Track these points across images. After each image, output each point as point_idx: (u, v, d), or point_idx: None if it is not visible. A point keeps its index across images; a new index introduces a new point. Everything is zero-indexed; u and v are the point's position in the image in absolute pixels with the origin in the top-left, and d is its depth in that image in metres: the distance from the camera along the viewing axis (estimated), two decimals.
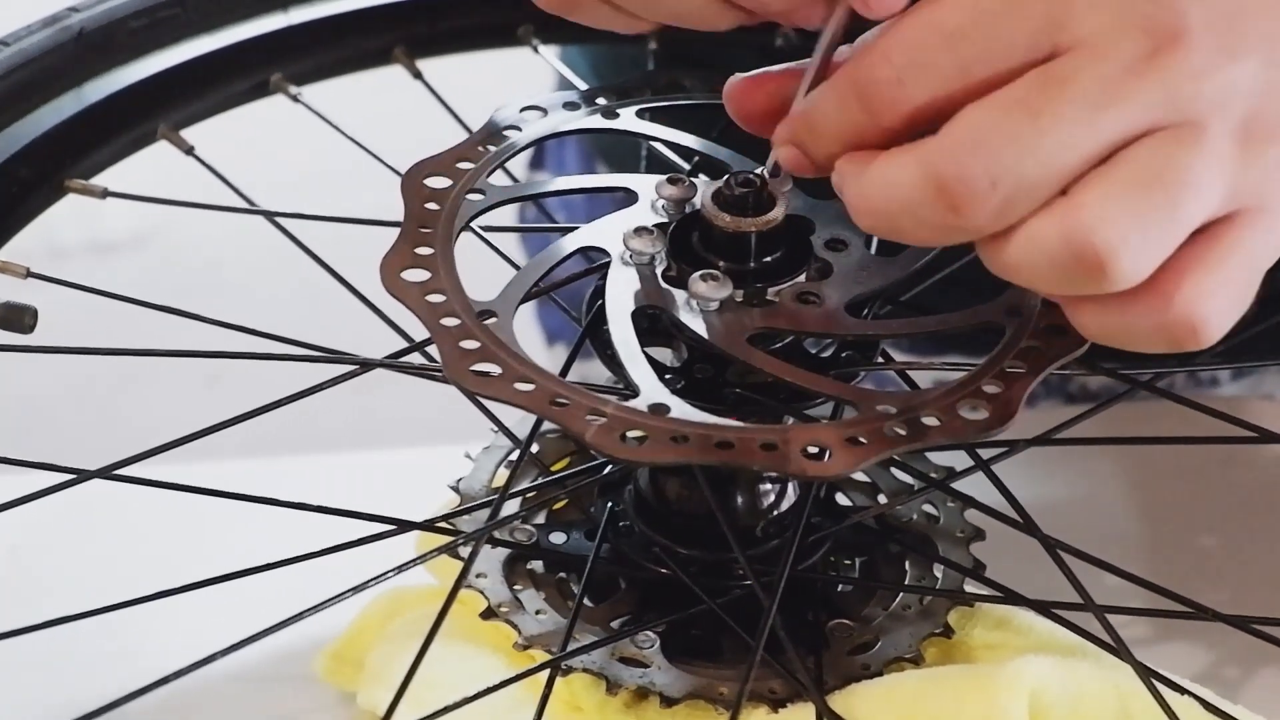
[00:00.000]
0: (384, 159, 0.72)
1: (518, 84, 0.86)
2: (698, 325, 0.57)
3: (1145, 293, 0.51)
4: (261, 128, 0.99)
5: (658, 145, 0.67)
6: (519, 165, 0.66)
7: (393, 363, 0.62)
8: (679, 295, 0.58)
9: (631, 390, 0.55)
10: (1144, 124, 0.50)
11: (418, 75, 0.78)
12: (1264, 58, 0.51)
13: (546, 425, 0.65)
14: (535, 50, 0.79)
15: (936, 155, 0.51)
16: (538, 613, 0.64)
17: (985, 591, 0.64)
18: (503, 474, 0.68)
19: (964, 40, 0.51)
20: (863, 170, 0.53)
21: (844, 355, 0.61)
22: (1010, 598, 0.63)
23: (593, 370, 0.63)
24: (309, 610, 0.56)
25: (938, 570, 0.66)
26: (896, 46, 0.52)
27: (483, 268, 0.65)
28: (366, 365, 0.62)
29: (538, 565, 0.66)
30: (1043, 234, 0.50)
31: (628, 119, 0.66)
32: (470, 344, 0.55)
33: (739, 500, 0.64)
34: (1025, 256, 0.51)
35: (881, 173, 0.52)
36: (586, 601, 0.63)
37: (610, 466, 0.66)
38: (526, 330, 1.01)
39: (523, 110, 0.66)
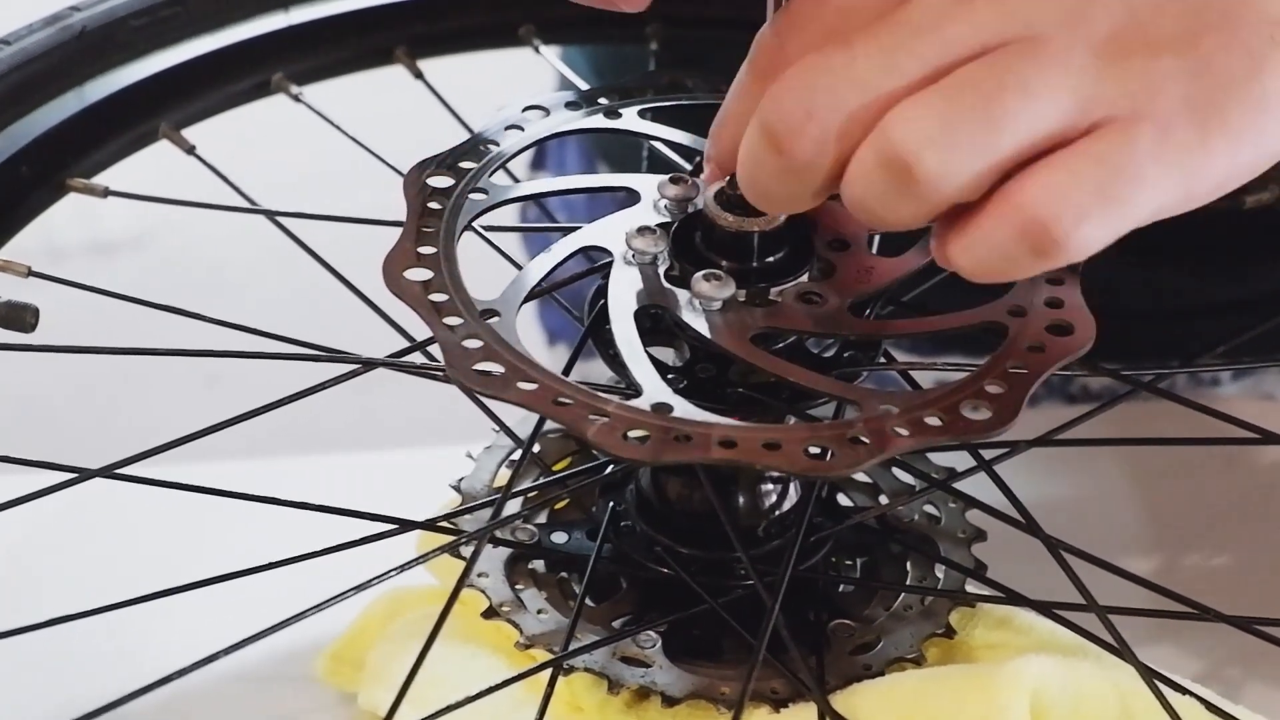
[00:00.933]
0: (385, 159, 0.72)
1: (519, 85, 0.86)
2: (700, 325, 0.57)
3: (994, 201, 0.51)
4: (263, 127, 0.99)
5: (660, 145, 0.67)
6: (520, 166, 0.66)
7: (394, 362, 0.62)
8: (681, 295, 0.58)
9: (634, 390, 0.55)
10: (973, 46, 0.50)
11: (419, 75, 0.78)
12: None
13: (548, 425, 0.65)
14: (537, 50, 0.79)
15: (763, 104, 0.52)
16: (539, 612, 0.64)
17: (987, 592, 0.64)
18: (504, 474, 0.68)
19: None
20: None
21: (846, 355, 0.61)
22: (1012, 598, 0.63)
23: (593, 370, 0.63)
24: (310, 610, 0.56)
25: (939, 570, 0.66)
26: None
27: (485, 268, 0.65)
28: (368, 365, 0.61)
29: (539, 565, 0.66)
30: (861, 155, 0.51)
31: (630, 119, 0.66)
32: (473, 343, 0.55)
33: (740, 500, 0.64)
34: (852, 183, 0.52)
35: (742, 142, 0.54)
36: (588, 601, 0.63)
37: (612, 466, 0.66)
38: (528, 330, 1.01)
39: (525, 110, 0.66)
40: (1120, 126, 0.50)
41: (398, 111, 1.19)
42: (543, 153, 1.03)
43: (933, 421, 0.54)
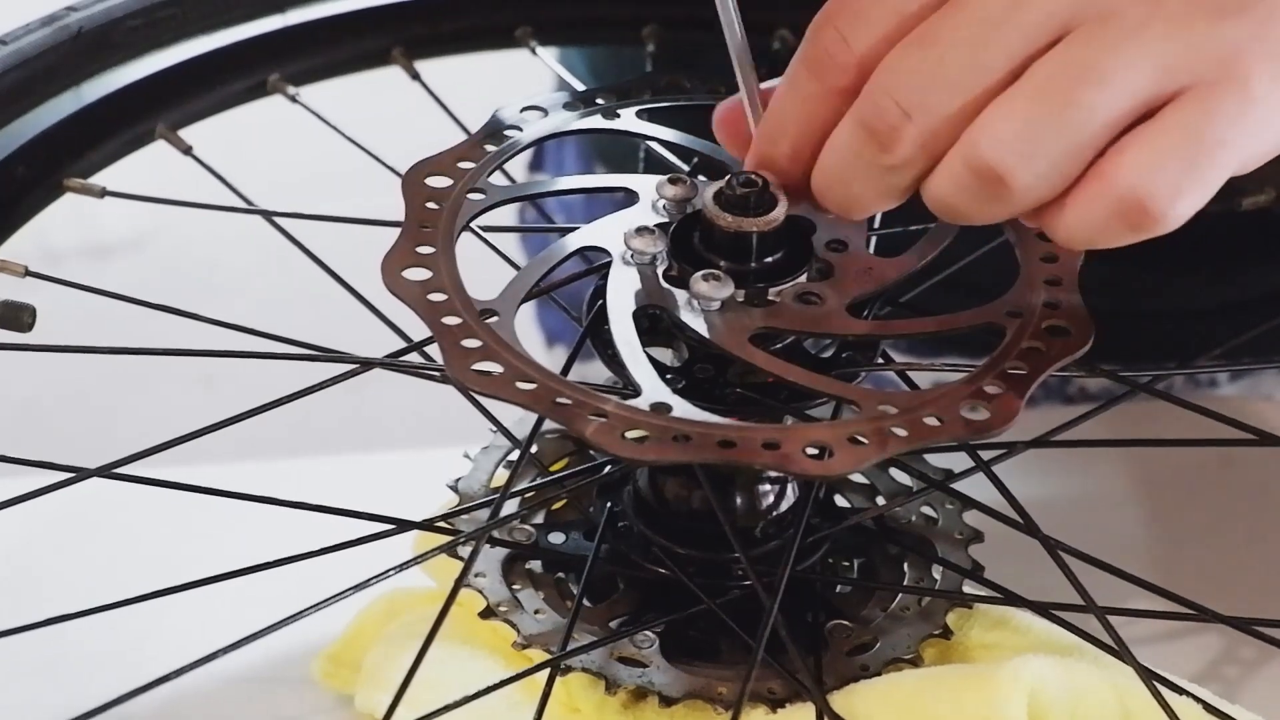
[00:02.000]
0: (382, 159, 0.72)
1: (516, 86, 0.85)
2: (699, 325, 0.57)
3: (1088, 182, 0.52)
4: (259, 128, 0.99)
5: (658, 146, 0.67)
6: (518, 167, 0.66)
7: (391, 362, 0.62)
8: (680, 295, 0.58)
9: (633, 390, 0.55)
10: (1051, 31, 0.51)
11: (415, 76, 0.78)
12: None
13: (545, 425, 0.65)
14: (533, 52, 0.79)
15: (860, 104, 0.54)
16: (536, 612, 0.64)
17: (984, 592, 0.64)
18: (501, 474, 0.68)
19: None
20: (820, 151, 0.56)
21: (844, 355, 0.61)
22: (1010, 599, 0.63)
23: (592, 371, 0.63)
24: (307, 610, 0.56)
25: (936, 571, 0.66)
26: None
27: (483, 268, 0.65)
28: (365, 365, 0.61)
29: (536, 565, 0.66)
30: (950, 162, 0.52)
31: (628, 119, 0.66)
32: (472, 343, 0.55)
33: (738, 501, 0.64)
34: (940, 186, 0.53)
35: (828, 143, 0.55)
36: (585, 601, 0.63)
37: (609, 466, 0.66)
38: (526, 331, 1.01)
39: (523, 110, 0.66)
40: (1202, 93, 0.51)
41: (394, 113, 1.19)
42: (541, 154, 1.03)
43: (931, 422, 0.54)
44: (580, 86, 0.71)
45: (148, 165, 0.75)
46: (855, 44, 0.54)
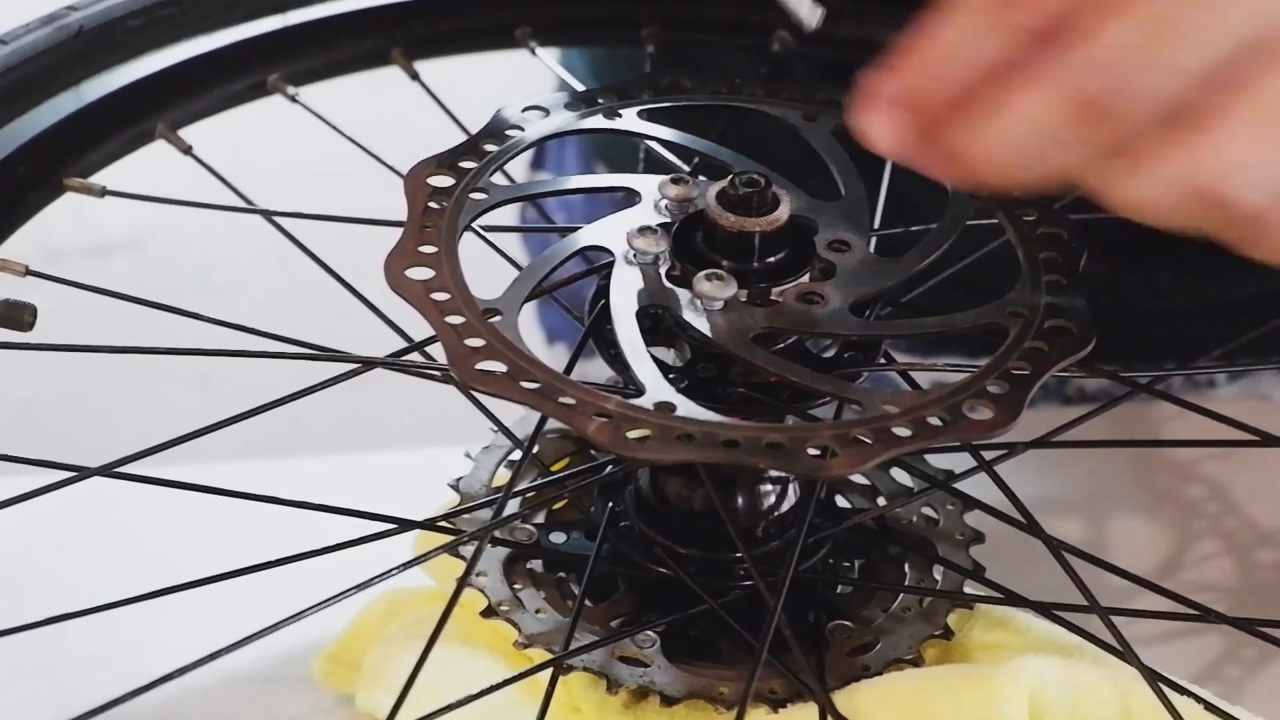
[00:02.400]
0: (381, 159, 0.72)
1: (516, 87, 0.85)
2: (701, 324, 0.57)
3: None
4: (259, 128, 0.99)
5: (659, 146, 0.67)
6: (519, 166, 0.66)
7: (393, 362, 0.62)
8: (683, 295, 0.58)
9: (636, 389, 0.55)
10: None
11: (415, 77, 0.78)
12: None
13: (546, 425, 0.65)
14: (533, 52, 0.79)
15: (1076, 73, 0.47)
16: (538, 612, 0.64)
17: (985, 593, 0.64)
18: (503, 474, 0.68)
19: None
20: (972, 127, 0.49)
21: (847, 355, 0.61)
22: (1010, 599, 0.63)
23: (592, 370, 0.63)
24: (308, 610, 0.56)
25: (937, 572, 0.66)
26: None
27: (485, 268, 0.65)
28: (366, 364, 0.61)
29: (538, 565, 0.66)
30: (1168, 175, 0.48)
31: (629, 119, 0.66)
32: (475, 342, 0.55)
33: (740, 501, 0.64)
34: (1148, 193, 0.48)
35: (1017, 107, 0.48)
36: (587, 601, 0.63)
37: (611, 466, 0.66)
38: (527, 329, 1.01)
39: (525, 110, 0.66)
40: None
41: (394, 113, 1.19)
42: (542, 153, 1.03)
43: (934, 422, 0.54)
44: (580, 87, 0.71)
45: (148, 165, 0.75)
46: None
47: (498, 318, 0.56)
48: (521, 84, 0.97)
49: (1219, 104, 0.47)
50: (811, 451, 0.52)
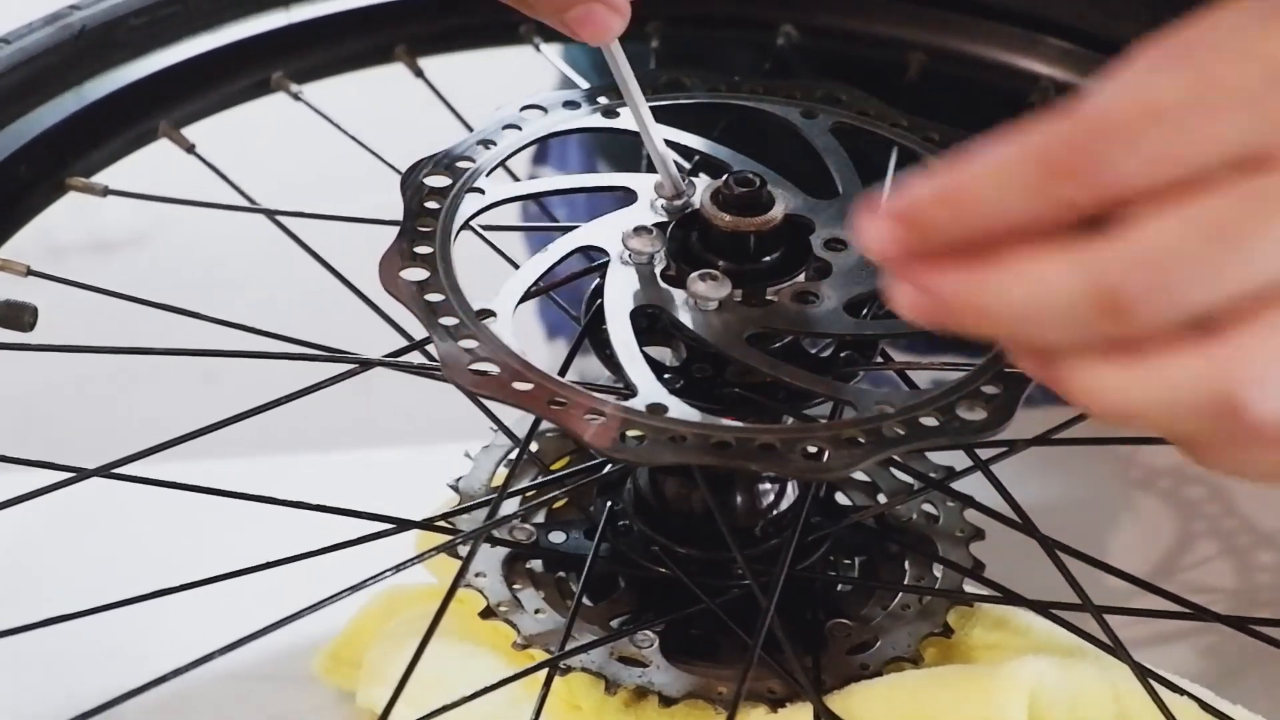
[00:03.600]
0: (385, 157, 0.72)
1: (520, 83, 0.85)
2: (696, 325, 0.57)
3: None
4: (262, 126, 0.99)
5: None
6: (521, 160, 0.66)
7: (392, 361, 0.62)
8: (678, 295, 0.58)
9: (630, 390, 0.55)
10: None
11: (419, 73, 0.78)
12: None
13: (546, 424, 0.65)
14: (537, 49, 0.79)
15: (1107, 264, 0.44)
16: (537, 612, 0.64)
17: (984, 591, 0.64)
18: (502, 473, 0.68)
19: (1170, 121, 0.43)
20: (1001, 267, 0.45)
21: (843, 355, 0.61)
22: (1009, 598, 0.63)
23: (591, 366, 0.63)
24: (308, 609, 0.56)
25: (937, 570, 0.66)
26: (1094, 115, 0.44)
27: (483, 266, 0.65)
28: (366, 364, 0.62)
29: (537, 564, 0.66)
30: (1185, 378, 0.44)
31: (628, 118, 0.66)
32: (469, 343, 0.55)
33: (738, 500, 0.64)
34: (1158, 398, 0.44)
35: (1034, 274, 0.44)
36: (585, 601, 0.63)
37: (609, 466, 0.66)
38: (527, 324, 1.01)
39: (523, 109, 0.66)
40: None
41: (398, 110, 1.19)
42: (545, 148, 1.03)
43: (929, 422, 0.54)
44: (584, 83, 0.71)
45: (150, 162, 0.75)
46: (1121, 173, 0.43)
47: (492, 319, 0.56)
48: (526, 80, 0.98)
49: (1250, 310, 0.44)
50: (804, 453, 0.52)
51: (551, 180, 0.68)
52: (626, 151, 0.76)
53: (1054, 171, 0.44)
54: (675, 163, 0.66)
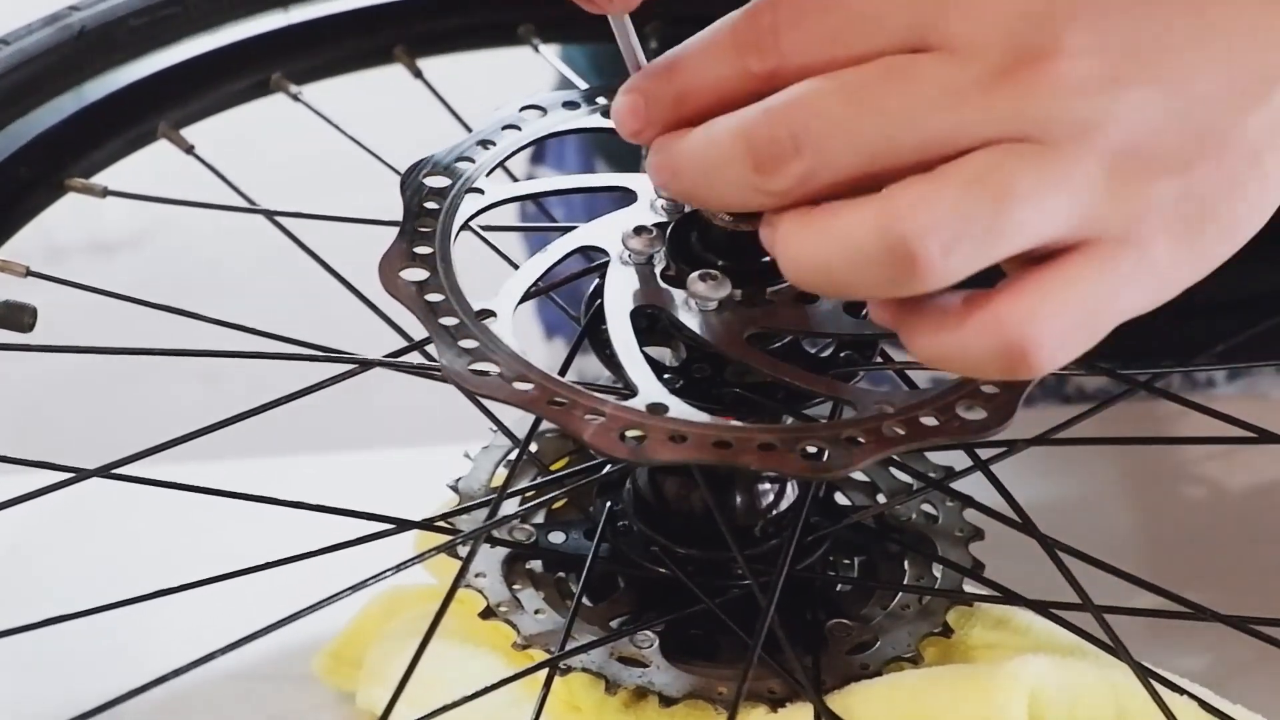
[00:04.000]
0: (384, 158, 0.72)
1: (519, 83, 0.86)
2: (696, 325, 0.57)
3: (977, 309, 0.50)
4: (262, 126, 0.99)
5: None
6: (519, 160, 0.66)
7: (392, 362, 0.62)
8: (678, 295, 0.58)
9: (630, 390, 0.55)
10: (980, 137, 0.49)
11: (418, 74, 0.78)
12: (1172, 89, 0.49)
13: (545, 424, 0.65)
14: (536, 49, 0.79)
15: (752, 115, 0.51)
16: (536, 612, 0.64)
17: (984, 591, 0.64)
18: (502, 473, 0.68)
19: (839, 4, 0.50)
20: (679, 136, 0.53)
21: (842, 355, 0.61)
22: (1009, 597, 0.63)
23: (590, 365, 0.63)
24: (308, 609, 0.56)
25: (936, 570, 0.66)
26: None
27: (482, 267, 0.65)
28: (365, 364, 0.62)
29: (536, 565, 0.66)
30: (857, 233, 0.49)
31: None
32: (469, 343, 0.55)
33: (737, 500, 0.64)
34: (828, 251, 0.50)
35: (699, 133, 0.52)
36: (585, 601, 0.63)
37: (609, 466, 0.66)
38: (526, 324, 1.01)
39: (522, 109, 0.66)
40: (1108, 251, 0.50)
41: (397, 111, 1.19)
42: (542, 148, 1.02)
43: (929, 421, 0.54)
44: (582, 84, 0.71)
45: (150, 162, 0.75)
46: (784, 44, 0.51)
47: (492, 319, 0.56)
48: (525, 81, 0.98)
49: (913, 170, 0.49)
50: (803, 452, 0.52)
51: (551, 181, 0.68)
52: (625, 151, 0.76)
53: (739, 44, 0.52)
54: None
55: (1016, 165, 0.48)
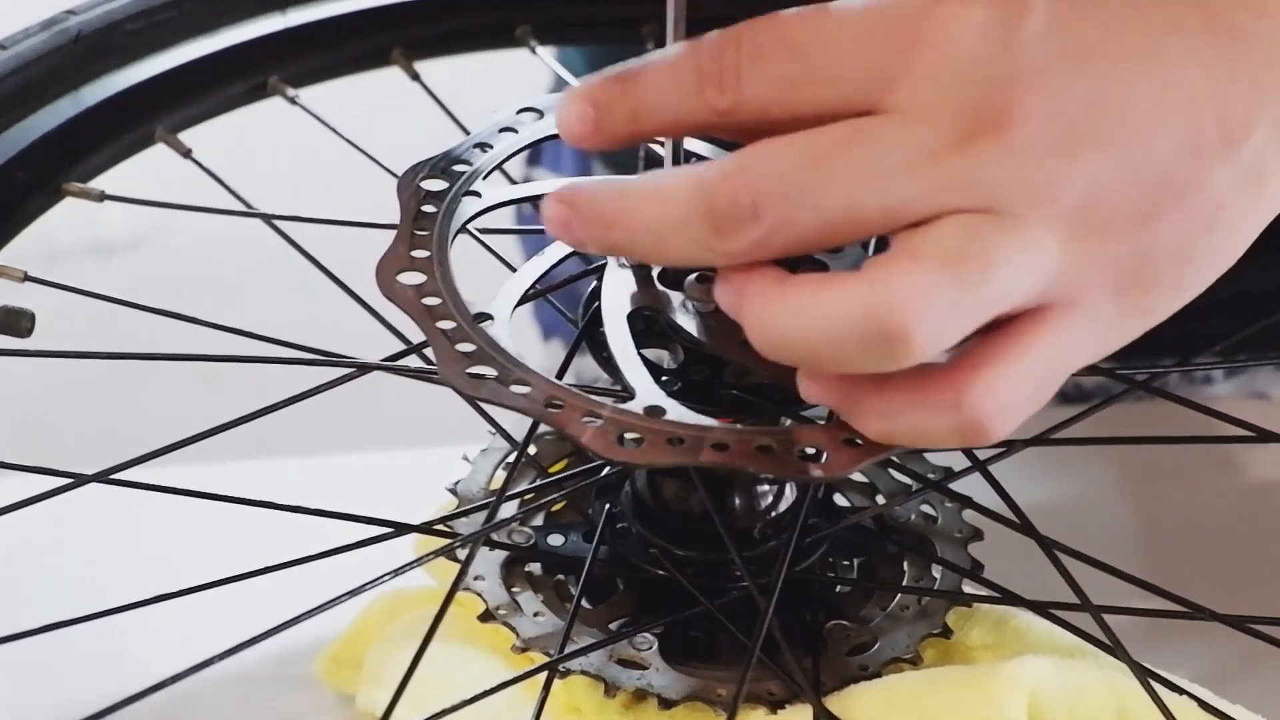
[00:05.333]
0: (381, 161, 0.72)
1: (517, 85, 0.86)
2: (693, 327, 0.57)
3: (933, 389, 0.50)
4: (259, 130, 0.99)
5: (656, 145, 0.67)
6: (516, 162, 0.66)
7: (390, 365, 0.62)
8: (675, 297, 0.58)
9: (627, 392, 0.55)
10: (941, 205, 0.49)
11: (415, 77, 0.78)
12: (1131, 150, 0.50)
13: (544, 427, 0.65)
14: (533, 51, 0.80)
15: (710, 177, 0.50)
16: (536, 615, 0.64)
17: (983, 592, 0.64)
18: (500, 476, 0.68)
19: (802, 54, 0.50)
20: (632, 184, 0.52)
21: None
22: (1008, 598, 0.63)
23: (588, 367, 0.63)
24: (307, 613, 0.56)
25: (936, 571, 0.66)
26: (745, 34, 0.51)
27: (480, 270, 0.65)
28: (364, 368, 0.62)
29: (536, 567, 0.66)
30: (844, 305, 0.49)
31: None
32: (466, 347, 0.55)
33: (736, 501, 0.64)
34: (819, 327, 0.49)
35: (656, 185, 0.51)
36: (584, 603, 0.63)
37: (607, 468, 0.66)
38: (522, 325, 1.01)
39: (519, 112, 0.66)
40: (1062, 316, 0.50)
41: (395, 113, 1.19)
42: (539, 150, 1.02)
43: None
44: None
45: (148, 166, 0.75)
46: (745, 85, 0.51)
47: (489, 322, 0.56)
48: (523, 83, 0.98)
49: (907, 257, 0.49)
50: (802, 454, 0.52)
51: (549, 184, 0.68)
52: (622, 152, 0.76)
53: (702, 75, 0.51)
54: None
55: (989, 237, 0.48)
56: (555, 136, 0.66)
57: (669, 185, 0.51)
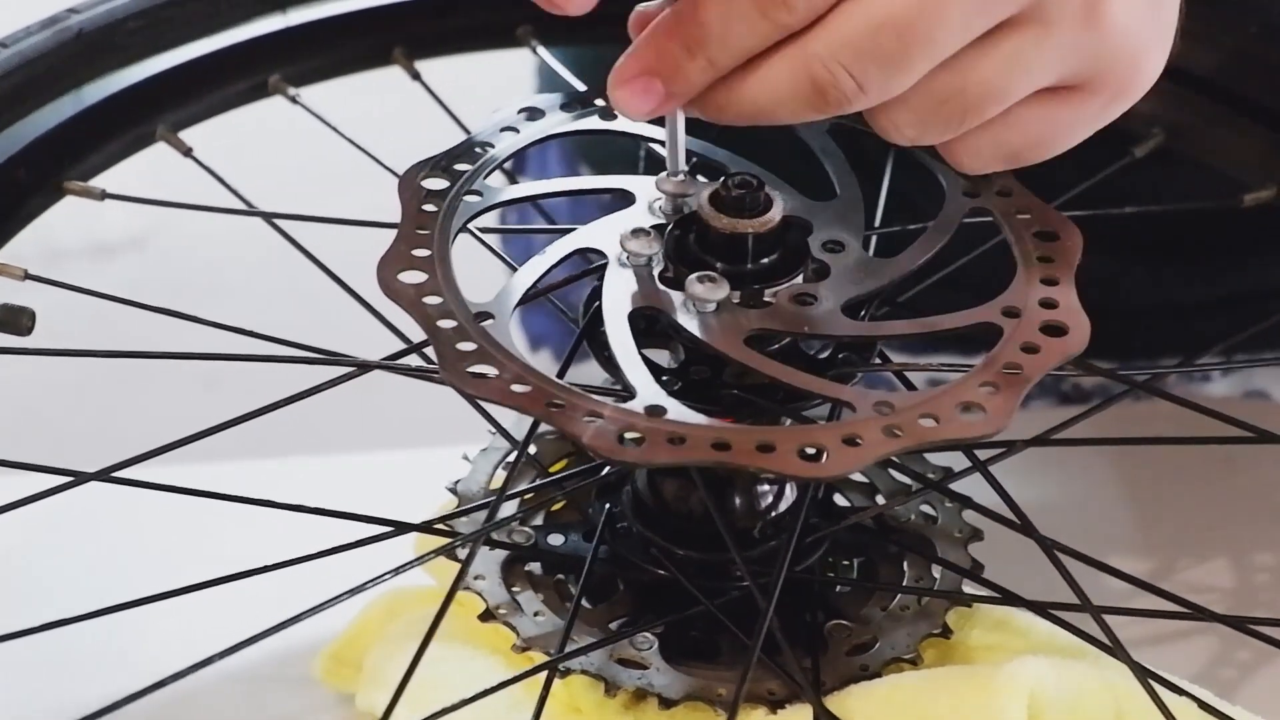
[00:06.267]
0: (382, 160, 0.72)
1: (517, 86, 0.86)
2: (694, 327, 0.57)
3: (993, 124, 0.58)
4: (260, 129, 0.99)
5: (656, 146, 0.67)
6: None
7: (390, 364, 0.62)
8: (676, 297, 0.58)
9: (628, 392, 0.55)
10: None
11: (416, 76, 0.78)
12: None
13: (544, 426, 0.65)
14: (534, 51, 0.79)
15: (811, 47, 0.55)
16: (536, 614, 0.64)
17: (983, 592, 0.64)
18: (500, 475, 0.68)
19: None
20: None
21: (841, 356, 0.61)
22: (1008, 598, 0.63)
23: (592, 371, 0.63)
24: (307, 612, 0.56)
25: (935, 571, 0.66)
26: None
27: (479, 270, 0.65)
28: (364, 367, 0.62)
29: (536, 567, 0.66)
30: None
31: (624, 120, 0.66)
32: (467, 346, 0.55)
33: (737, 501, 0.64)
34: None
35: (761, 77, 0.56)
36: (584, 603, 0.63)
37: (608, 468, 0.66)
38: (517, 333, 1.01)
39: (519, 112, 0.66)
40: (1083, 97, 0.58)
41: (395, 113, 1.19)
42: (523, 156, 1.02)
43: (927, 423, 0.54)
44: (581, 86, 0.71)
45: (149, 165, 0.75)
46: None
47: (490, 321, 0.56)
48: (523, 83, 0.98)
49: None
50: (802, 454, 0.52)
51: (550, 183, 0.68)
52: (610, 157, 0.76)
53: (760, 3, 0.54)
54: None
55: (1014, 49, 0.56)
56: (555, 136, 0.66)
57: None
